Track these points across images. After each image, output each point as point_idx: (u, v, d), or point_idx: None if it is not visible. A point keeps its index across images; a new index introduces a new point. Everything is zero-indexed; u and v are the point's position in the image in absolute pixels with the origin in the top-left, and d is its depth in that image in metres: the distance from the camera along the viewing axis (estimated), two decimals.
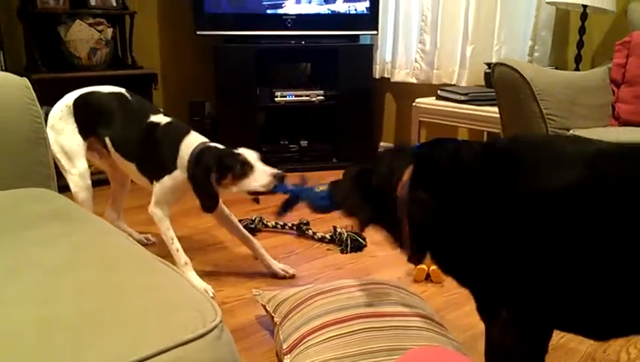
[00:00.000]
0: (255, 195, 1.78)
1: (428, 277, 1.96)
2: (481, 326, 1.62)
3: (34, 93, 1.46)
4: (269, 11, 3.48)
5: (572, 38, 2.91)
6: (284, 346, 1.37)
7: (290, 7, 3.48)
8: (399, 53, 3.64)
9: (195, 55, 3.67)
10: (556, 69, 2.79)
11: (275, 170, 1.71)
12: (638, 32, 2.35)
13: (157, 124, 1.87)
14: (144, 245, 2.19)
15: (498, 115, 2.42)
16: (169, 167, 1.82)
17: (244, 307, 1.77)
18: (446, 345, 1.35)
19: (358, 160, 1.37)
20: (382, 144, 3.93)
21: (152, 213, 1.89)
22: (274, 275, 1.96)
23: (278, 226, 2.45)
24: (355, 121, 3.61)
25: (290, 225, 2.44)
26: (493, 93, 2.42)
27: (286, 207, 1.54)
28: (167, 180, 1.83)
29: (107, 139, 1.96)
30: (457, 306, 1.78)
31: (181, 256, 1.85)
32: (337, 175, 1.72)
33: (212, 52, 3.46)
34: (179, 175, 1.81)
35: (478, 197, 1.01)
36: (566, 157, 0.97)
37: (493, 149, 1.09)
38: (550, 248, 0.93)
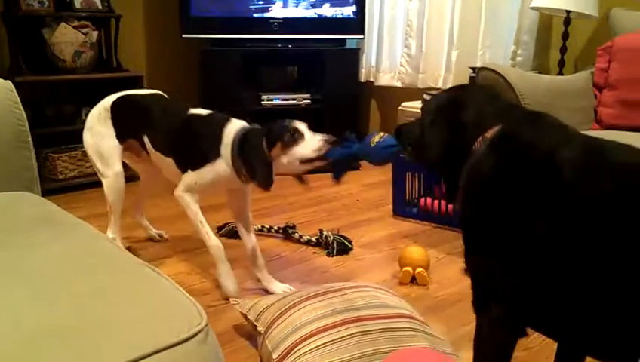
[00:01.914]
0: (307, 163, 1.65)
1: (413, 280, 1.97)
2: (465, 328, 1.65)
3: (17, 96, 1.44)
4: (255, 15, 3.48)
5: (555, 42, 2.95)
6: (275, 355, 1.35)
7: (277, 11, 3.49)
8: (384, 57, 3.66)
9: (181, 58, 3.66)
10: (539, 73, 2.83)
11: (326, 135, 1.63)
12: (620, 37, 2.39)
13: (197, 115, 1.84)
14: (157, 241, 2.35)
15: None
16: (211, 156, 1.75)
17: (232, 310, 1.76)
18: (434, 344, 1.37)
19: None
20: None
21: (180, 196, 1.81)
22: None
23: (264, 229, 2.45)
24: (342, 125, 3.55)
25: (276, 228, 2.44)
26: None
27: (342, 169, 1.50)
28: (207, 169, 1.76)
29: (145, 138, 1.93)
30: (443, 308, 1.79)
31: (212, 239, 1.82)
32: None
33: (198, 55, 3.46)
34: (221, 164, 1.74)
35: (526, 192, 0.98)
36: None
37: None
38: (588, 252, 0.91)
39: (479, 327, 1.07)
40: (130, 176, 2.17)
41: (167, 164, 1.89)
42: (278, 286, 1.89)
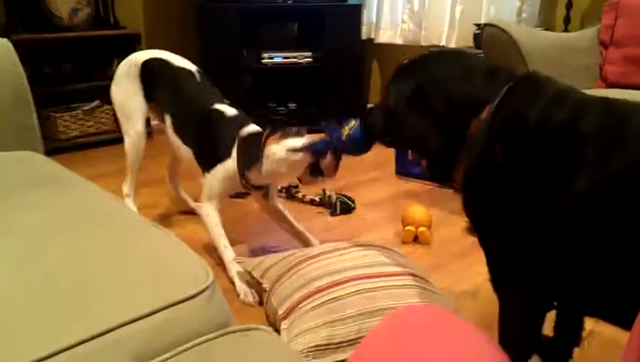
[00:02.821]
0: (294, 152, 1.60)
1: (416, 239, 1.99)
2: (466, 285, 1.67)
3: (16, 55, 1.42)
4: None
5: None
6: (280, 312, 1.38)
7: None
8: (384, 13, 3.59)
9: (180, 15, 3.59)
10: (545, 30, 2.78)
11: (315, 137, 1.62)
12: None
13: (221, 114, 1.78)
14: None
15: None
16: (223, 156, 1.74)
17: (224, 271, 1.78)
18: (435, 301, 1.39)
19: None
20: (369, 106, 3.91)
21: (201, 208, 1.80)
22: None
23: None
24: (343, 83, 3.58)
25: (279, 187, 2.45)
26: (482, 54, 2.40)
27: (315, 166, 1.48)
28: (219, 169, 1.74)
29: (167, 117, 1.89)
30: (444, 266, 1.81)
31: (229, 253, 1.73)
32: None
33: (197, 12, 3.39)
34: (231, 164, 1.72)
35: (541, 169, 0.90)
36: None
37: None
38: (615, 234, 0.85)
39: (502, 307, 1.04)
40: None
41: (185, 153, 1.86)
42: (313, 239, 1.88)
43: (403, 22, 3.48)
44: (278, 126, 1.67)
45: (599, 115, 0.90)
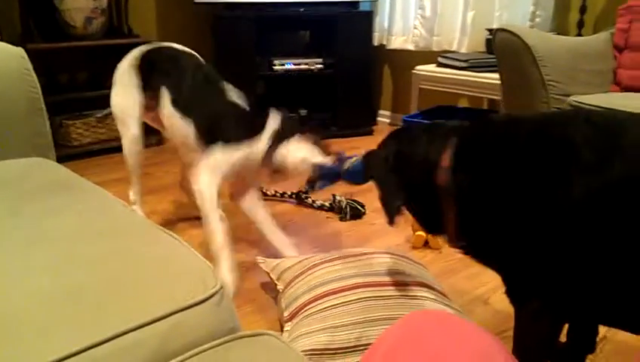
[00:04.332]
0: (304, 163, 1.64)
1: (426, 244, 1.98)
2: (477, 292, 1.66)
3: (30, 63, 1.44)
4: None
5: (574, 2, 2.87)
6: (286, 314, 1.39)
7: None
8: (396, 19, 3.59)
9: (193, 23, 3.62)
10: (558, 34, 2.76)
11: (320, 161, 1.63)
12: None
13: (238, 108, 1.74)
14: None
15: (499, 82, 2.40)
16: (249, 135, 1.66)
17: (246, 273, 1.79)
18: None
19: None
20: (380, 112, 3.92)
21: (199, 183, 1.63)
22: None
23: (278, 195, 2.46)
24: (355, 90, 3.58)
25: (289, 193, 2.45)
26: (494, 60, 2.40)
27: (326, 183, 1.57)
28: (238, 147, 1.64)
29: (165, 93, 1.78)
30: (455, 272, 1.80)
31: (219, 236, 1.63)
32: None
33: (210, 20, 3.41)
34: (259, 147, 1.67)
35: (531, 181, 0.93)
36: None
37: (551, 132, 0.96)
38: (608, 239, 0.87)
39: (518, 319, 1.04)
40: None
41: (181, 126, 1.75)
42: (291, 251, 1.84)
43: (415, 28, 3.48)
44: (315, 130, 1.69)
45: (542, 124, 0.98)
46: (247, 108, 1.73)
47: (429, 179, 1.07)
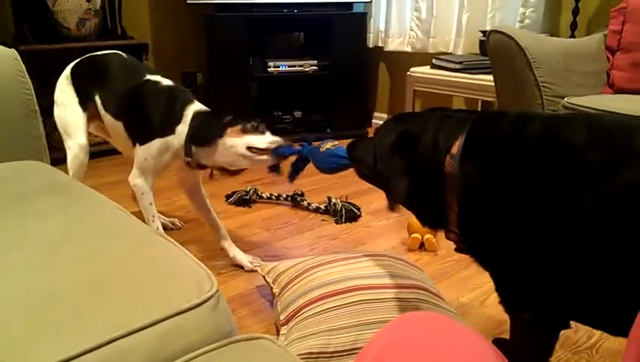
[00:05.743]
0: (254, 152, 1.60)
1: (422, 246, 1.98)
2: (472, 294, 1.66)
3: (23, 65, 1.43)
4: None
5: (566, 4, 2.88)
6: (282, 317, 1.39)
7: None
8: (392, 21, 3.60)
9: (186, 25, 3.61)
10: (550, 35, 2.77)
11: (279, 139, 1.63)
12: None
13: (156, 84, 1.74)
14: (169, 230, 2.15)
15: (493, 83, 2.41)
16: (163, 130, 1.67)
17: (241, 276, 1.78)
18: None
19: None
20: (376, 114, 3.92)
21: (135, 184, 1.73)
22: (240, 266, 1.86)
23: (273, 197, 2.46)
24: (349, 91, 3.58)
25: (284, 196, 2.45)
26: (488, 62, 2.40)
27: (296, 170, 1.52)
28: (156, 144, 1.67)
29: (97, 99, 1.83)
30: (450, 274, 1.80)
31: (157, 223, 1.76)
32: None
33: (203, 21, 3.41)
34: (173, 141, 1.67)
35: (537, 184, 0.91)
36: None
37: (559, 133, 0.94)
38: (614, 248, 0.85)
39: (514, 327, 1.03)
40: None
41: (117, 129, 1.79)
42: (243, 257, 1.86)
43: (411, 30, 3.49)
44: (238, 117, 1.64)
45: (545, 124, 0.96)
46: (168, 99, 1.70)
47: (436, 165, 1.04)
